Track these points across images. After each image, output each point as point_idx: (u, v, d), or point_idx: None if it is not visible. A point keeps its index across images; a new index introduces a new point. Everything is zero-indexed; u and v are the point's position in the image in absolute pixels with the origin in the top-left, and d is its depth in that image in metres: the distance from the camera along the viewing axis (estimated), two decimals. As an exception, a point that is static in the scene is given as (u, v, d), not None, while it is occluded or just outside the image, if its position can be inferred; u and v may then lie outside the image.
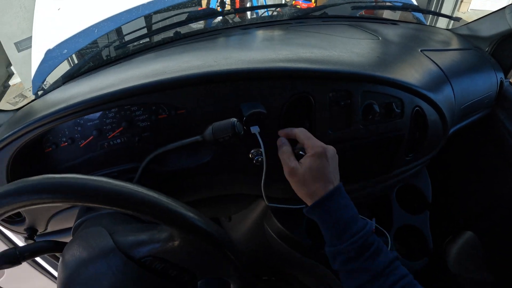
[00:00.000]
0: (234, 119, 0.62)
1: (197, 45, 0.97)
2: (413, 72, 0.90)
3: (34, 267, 1.19)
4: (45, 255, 0.82)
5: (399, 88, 0.82)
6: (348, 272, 0.62)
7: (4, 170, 0.69)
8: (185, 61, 0.78)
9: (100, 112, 0.70)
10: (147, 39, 1.09)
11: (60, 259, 0.52)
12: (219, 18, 1.20)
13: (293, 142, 0.69)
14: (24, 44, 2.78)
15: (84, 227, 0.58)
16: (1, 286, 1.14)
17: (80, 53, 1.14)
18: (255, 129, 0.67)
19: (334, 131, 0.77)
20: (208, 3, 2.62)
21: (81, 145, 0.73)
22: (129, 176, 0.70)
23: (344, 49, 0.86)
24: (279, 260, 1.08)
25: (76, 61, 1.21)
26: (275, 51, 0.80)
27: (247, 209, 0.96)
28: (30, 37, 1.14)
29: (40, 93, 0.92)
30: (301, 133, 0.66)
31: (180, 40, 1.04)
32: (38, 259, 1.19)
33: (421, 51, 1.03)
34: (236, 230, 1.10)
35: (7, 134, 0.67)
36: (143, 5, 1.19)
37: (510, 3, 1.26)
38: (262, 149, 0.67)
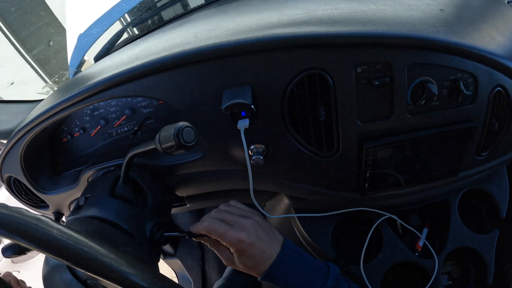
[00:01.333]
0: (182, 124, 0.45)
1: (197, 16, 0.87)
2: (495, 34, 0.61)
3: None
4: None
5: (470, 58, 0.55)
6: None
7: (18, 159, 0.71)
8: (169, 38, 0.65)
9: (103, 102, 0.70)
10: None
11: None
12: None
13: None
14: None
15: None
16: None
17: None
18: (242, 124, 0.50)
19: (365, 122, 0.54)
20: None
21: (92, 134, 0.75)
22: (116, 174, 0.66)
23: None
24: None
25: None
26: (280, 10, 0.58)
27: (275, 198, 0.82)
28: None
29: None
30: (211, 228, 0.52)
31: (190, 13, 0.97)
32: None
33: (508, 2, 0.72)
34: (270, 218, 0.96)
35: (14, 132, 0.69)
36: None
37: None
38: (246, 153, 0.50)
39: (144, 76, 0.56)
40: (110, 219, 0.55)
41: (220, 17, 0.73)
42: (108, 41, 1.06)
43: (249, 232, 0.51)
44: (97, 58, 1.02)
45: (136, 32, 1.17)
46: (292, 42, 0.49)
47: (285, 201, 0.76)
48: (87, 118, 0.73)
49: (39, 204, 0.85)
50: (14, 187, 0.80)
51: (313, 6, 0.59)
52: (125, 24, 1.19)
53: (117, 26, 1.11)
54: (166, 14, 1.12)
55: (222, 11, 0.80)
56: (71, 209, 0.76)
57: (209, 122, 0.58)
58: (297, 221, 0.74)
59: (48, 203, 0.81)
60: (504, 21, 0.66)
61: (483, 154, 0.65)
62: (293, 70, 0.51)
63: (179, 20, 0.94)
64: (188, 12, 1.01)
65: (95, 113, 0.73)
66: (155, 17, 1.28)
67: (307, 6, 0.60)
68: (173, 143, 0.44)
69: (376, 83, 0.51)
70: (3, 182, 0.81)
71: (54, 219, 0.75)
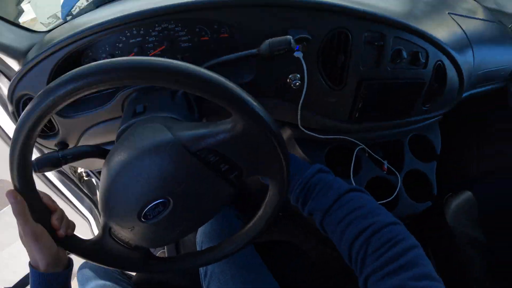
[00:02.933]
0: (289, 36, 0.71)
1: None
2: (439, 30, 0.98)
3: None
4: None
5: (425, 40, 0.91)
6: (309, 215, 0.65)
7: (45, 84, 0.71)
8: None
9: (143, 30, 0.73)
10: None
11: (104, 165, 0.54)
12: None
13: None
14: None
15: (132, 128, 0.59)
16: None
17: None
18: (298, 54, 0.75)
19: (364, 68, 0.87)
20: None
21: None
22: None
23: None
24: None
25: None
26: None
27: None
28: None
29: (68, 18, 0.90)
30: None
31: None
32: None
33: (448, 13, 1.11)
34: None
35: (49, 45, 0.68)
36: None
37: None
38: (305, 71, 0.76)
39: (227, 8, 0.72)
40: (181, 119, 0.63)
41: None
42: None
43: None
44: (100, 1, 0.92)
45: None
46: (338, 9, 0.78)
47: (288, 131, 1.04)
48: (120, 45, 0.74)
49: (46, 133, 0.83)
50: (23, 109, 0.83)
51: None
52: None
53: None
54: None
55: None
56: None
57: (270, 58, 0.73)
58: (297, 146, 1.04)
59: (60, 128, 0.79)
60: (445, 24, 1.05)
61: (427, 105, 1.02)
62: (332, 25, 0.80)
63: None
64: None
65: (131, 41, 0.74)
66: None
67: None
68: (285, 47, 0.67)
69: (375, 44, 0.85)
70: (11, 102, 0.76)
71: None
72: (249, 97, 0.46)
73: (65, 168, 1.24)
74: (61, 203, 1.27)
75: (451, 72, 1.00)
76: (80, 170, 1.30)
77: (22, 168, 0.48)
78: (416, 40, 0.90)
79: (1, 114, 0.93)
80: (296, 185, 0.65)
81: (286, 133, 1.03)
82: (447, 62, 0.97)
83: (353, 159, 1.02)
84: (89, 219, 1.40)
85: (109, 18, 0.68)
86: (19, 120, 0.44)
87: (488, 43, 1.20)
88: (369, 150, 1.07)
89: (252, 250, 0.94)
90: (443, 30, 1.00)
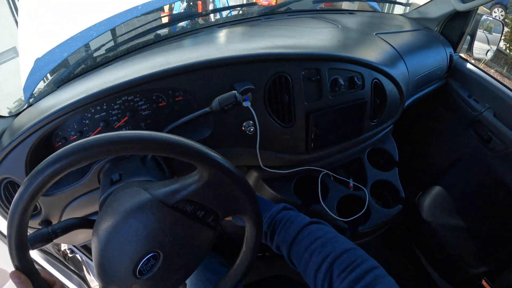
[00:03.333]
0: (235, 91, 0.78)
1: (183, 43, 1.10)
2: (370, 52, 1.09)
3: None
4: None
5: (358, 64, 1.00)
6: (277, 250, 0.70)
7: (23, 166, 0.75)
8: (181, 54, 0.91)
9: (106, 105, 0.79)
10: (132, 42, 1.16)
11: (93, 234, 0.58)
12: (181, 22, 1.31)
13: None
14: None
15: (112, 196, 0.64)
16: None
17: (67, 61, 1.17)
18: (247, 103, 0.82)
19: (309, 102, 0.94)
20: (171, 9, 2.76)
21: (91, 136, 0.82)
22: (142, 155, 0.79)
23: (310, 37, 1.05)
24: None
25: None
26: (255, 42, 0.97)
27: (246, 175, 1.12)
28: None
29: (31, 100, 0.95)
30: None
31: (162, 41, 1.14)
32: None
33: (376, 34, 1.23)
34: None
35: (21, 132, 0.73)
36: (119, 14, 1.26)
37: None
38: (255, 117, 0.83)
39: (180, 74, 0.79)
40: (154, 180, 0.70)
41: (205, 44, 1.07)
42: (73, 65, 1.04)
43: None
44: (59, 81, 0.99)
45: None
46: (273, 57, 0.87)
47: (254, 174, 1.10)
48: (87, 121, 0.79)
49: None
50: (4, 191, 0.80)
51: (271, 39, 1.01)
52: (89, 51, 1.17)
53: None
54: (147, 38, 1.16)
55: (195, 43, 1.10)
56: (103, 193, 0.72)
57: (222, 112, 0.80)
58: (265, 185, 1.08)
59: (42, 206, 0.82)
60: (375, 45, 1.16)
61: (374, 120, 1.11)
62: (271, 72, 0.87)
63: (166, 44, 1.10)
64: (161, 40, 1.15)
65: (96, 116, 0.79)
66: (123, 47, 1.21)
67: (266, 39, 1.01)
68: (232, 101, 0.75)
69: (313, 79, 0.93)
70: None
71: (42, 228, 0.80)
72: (207, 149, 0.52)
73: (48, 247, 1.25)
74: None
75: (388, 86, 1.09)
76: (63, 247, 1.30)
77: (21, 248, 0.51)
78: (349, 66, 0.99)
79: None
80: (263, 222, 0.71)
81: (253, 176, 1.08)
82: (382, 78, 1.07)
83: (319, 185, 1.08)
84: (79, 295, 1.39)
85: (73, 100, 0.73)
86: (12, 203, 0.48)
87: (417, 50, 1.31)
88: (332, 174, 1.13)
89: None
90: (373, 51, 1.10)
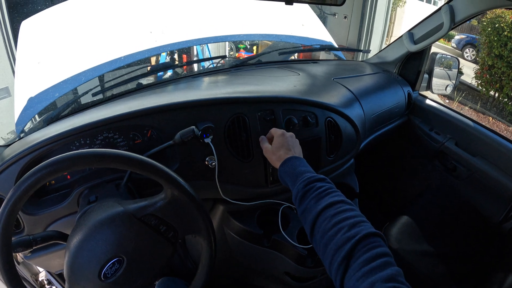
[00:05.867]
0: (193, 126, 0.89)
1: (159, 90, 1.24)
2: (324, 94, 1.22)
3: None
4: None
5: (309, 105, 1.12)
6: (302, 216, 0.71)
7: (14, 179, 0.83)
8: (155, 99, 1.04)
9: (89, 140, 0.88)
10: (116, 89, 1.30)
11: (67, 242, 0.67)
12: (168, 71, 1.47)
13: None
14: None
15: (89, 211, 0.73)
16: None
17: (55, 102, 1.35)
18: (208, 140, 0.92)
19: (265, 140, 1.05)
20: (157, 60, 3.01)
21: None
22: (116, 183, 0.89)
23: (269, 84, 1.18)
24: (241, 266, 1.29)
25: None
26: (219, 89, 1.10)
27: (213, 210, 1.20)
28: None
29: (22, 135, 1.04)
30: (271, 130, 0.98)
31: (142, 90, 1.27)
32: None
33: (333, 79, 1.36)
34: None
35: (12, 155, 0.83)
36: (106, 63, 1.48)
37: (408, 29, 1.64)
38: (214, 153, 0.93)
39: (150, 114, 0.92)
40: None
41: (177, 91, 1.21)
42: (62, 106, 1.15)
43: (287, 133, 0.93)
44: (48, 120, 1.10)
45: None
46: (231, 100, 0.98)
47: (220, 207, 1.16)
48: (73, 148, 0.88)
49: (13, 230, 0.84)
50: None
51: (234, 87, 1.13)
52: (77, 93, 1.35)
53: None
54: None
55: (168, 90, 1.23)
56: (80, 205, 0.86)
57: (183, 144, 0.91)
58: (232, 219, 1.14)
59: (26, 225, 0.87)
60: (331, 88, 1.29)
61: (331, 156, 1.21)
62: (230, 113, 0.98)
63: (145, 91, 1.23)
64: (139, 89, 1.28)
65: (80, 149, 0.86)
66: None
67: (229, 86, 1.14)
68: (191, 134, 0.86)
69: (268, 119, 1.04)
70: None
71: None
72: (171, 172, 0.67)
73: (27, 275, 1.30)
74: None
75: (343, 124, 1.21)
76: (41, 278, 1.36)
77: (10, 266, 0.61)
78: (302, 107, 1.11)
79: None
80: (301, 180, 0.79)
81: (220, 209, 1.16)
82: (336, 117, 1.18)
83: (279, 217, 1.16)
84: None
85: (60, 131, 0.84)
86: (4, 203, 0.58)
87: (373, 92, 1.45)
88: (293, 206, 1.22)
89: None
90: (328, 94, 1.23)
